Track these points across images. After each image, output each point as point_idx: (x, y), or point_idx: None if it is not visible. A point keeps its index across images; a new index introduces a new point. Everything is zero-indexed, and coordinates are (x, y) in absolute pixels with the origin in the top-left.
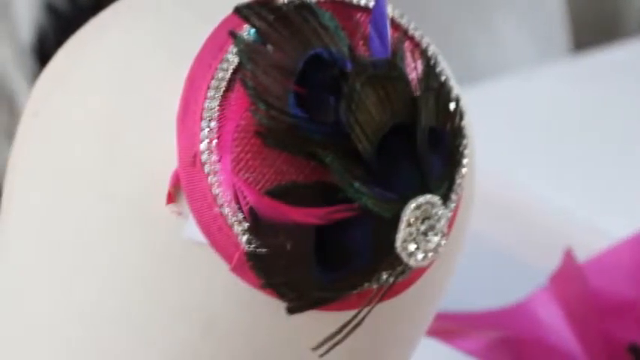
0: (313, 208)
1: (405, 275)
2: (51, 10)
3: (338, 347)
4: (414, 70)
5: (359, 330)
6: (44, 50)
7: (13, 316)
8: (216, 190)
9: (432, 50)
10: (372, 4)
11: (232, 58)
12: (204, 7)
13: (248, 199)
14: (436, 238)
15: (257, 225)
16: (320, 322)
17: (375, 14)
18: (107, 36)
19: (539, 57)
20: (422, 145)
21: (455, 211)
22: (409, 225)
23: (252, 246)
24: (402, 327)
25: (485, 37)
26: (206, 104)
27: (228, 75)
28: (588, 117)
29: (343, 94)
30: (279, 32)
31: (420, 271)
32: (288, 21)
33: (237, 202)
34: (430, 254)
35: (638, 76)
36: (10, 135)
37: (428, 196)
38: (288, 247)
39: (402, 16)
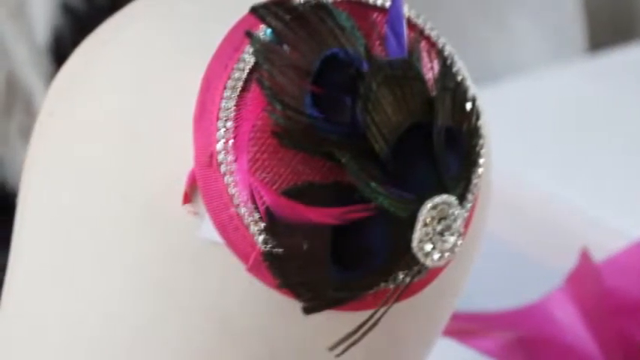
0: (330, 208)
1: (421, 275)
2: (67, 10)
3: (354, 347)
4: (430, 70)
5: (375, 330)
6: (60, 50)
7: (29, 316)
8: (232, 190)
9: (448, 50)
10: (388, 4)
11: (249, 58)
12: (221, 7)
13: (264, 199)
14: (452, 238)
15: (273, 225)
16: (336, 322)
17: (392, 14)
18: (123, 36)
19: (555, 57)
20: (438, 145)
21: (471, 211)
22: (425, 225)
23: (269, 246)
24: (418, 327)
25: (501, 36)
26: (222, 104)
27: (244, 75)
28: (604, 117)
29: (360, 94)
30: (296, 32)
31: (436, 271)
32: (305, 21)
33: (254, 202)
34: (446, 254)
35: None
36: (26, 135)
37: (444, 196)
38: (305, 247)
39: (418, 16)
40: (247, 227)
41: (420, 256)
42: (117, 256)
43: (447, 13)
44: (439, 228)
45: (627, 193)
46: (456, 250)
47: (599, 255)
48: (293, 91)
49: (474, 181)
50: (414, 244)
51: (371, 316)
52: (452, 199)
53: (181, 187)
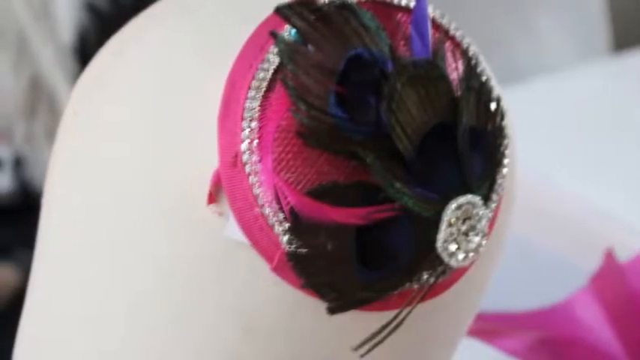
0: (354, 208)
1: (445, 275)
2: (92, 10)
3: (378, 347)
4: (454, 70)
5: (399, 330)
6: (85, 50)
7: (53, 316)
8: (257, 191)
9: (472, 50)
10: (412, 4)
11: (273, 58)
12: (245, 7)
13: (289, 199)
14: (477, 239)
15: (298, 225)
16: (361, 322)
17: (416, 14)
18: (148, 36)
19: (580, 57)
20: (463, 145)
21: (496, 212)
22: (450, 225)
23: (293, 246)
24: (442, 327)
25: (526, 37)
26: (247, 104)
27: (269, 75)
28: (629, 117)
29: (384, 94)
30: (320, 32)
31: (460, 271)
32: (329, 21)
33: (278, 202)
34: (471, 254)
35: None
36: (51, 135)
37: (469, 196)
38: (329, 247)
39: (442, 16)
40: (272, 227)
41: (444, 256)
42: (141, 256)
43: (472, 13)
44: (464, 228)
45: None
46: (481, 250)
47: (624, 255)
48: (317, 91)
49: (499, 181)
50: (439, 244)
51: (395, 317)
52: (476, 199)
53: (206, 187)
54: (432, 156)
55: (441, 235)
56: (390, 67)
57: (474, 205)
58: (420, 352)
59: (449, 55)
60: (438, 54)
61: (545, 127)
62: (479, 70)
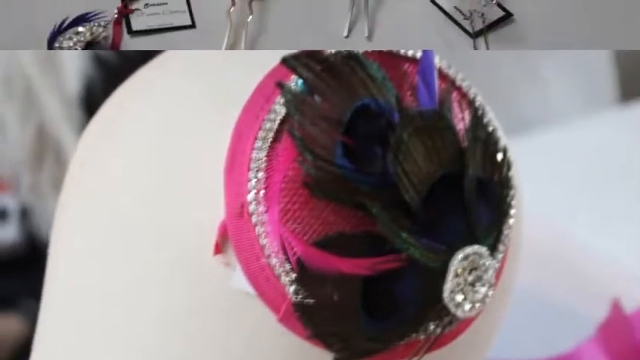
0: (361, 259)
1: (452, 326)
2: (98, 61)
3: None
4: (461, 120)
5: None
6: (91, 101)
7: None
8: (263, 241)
9: (479, 101)
10: (419, 54)
11: (279, 109)
12: (251, 58)
13: (295, 249)
14: (484, 289)
15: (304, 275)
16: None
17: (423, 65)
18: (154, 87)
19: (586, 108)
20: (469, 195)
21: (502, 262)
22: (456, 275)
23: (300, 297)
24: None
25: (533, 87)
26: (253, 155)
27: (275, 126)
28: (635, 167)
29: (391, 145)
30: (327, 83)
31: (467, 322)
32: (336, 72)
33: (285, 252)
34: (477, 305)
35: None
36: (57, 185)
37: (475, 247)
38: (336, 297)
39: (449, 66)
40: (278, 278)
41: (451, 306)
42: (148, 306)
43: (478, 63)
44: (470, 279)
45: None
46: (487, 300)
47: (632, 304)
48: (324, 141)
49: (505, 231)
50: (446, 294)
51: None
52: (483, 249)
53: (212, 237)
54: (439, 206)
55: (448, 286)
56: (396, 117)
57: (480, 255)
58: None
59: (455, 105)
60: (444, 104)
61: (553, 177)
62: (485, 120)
